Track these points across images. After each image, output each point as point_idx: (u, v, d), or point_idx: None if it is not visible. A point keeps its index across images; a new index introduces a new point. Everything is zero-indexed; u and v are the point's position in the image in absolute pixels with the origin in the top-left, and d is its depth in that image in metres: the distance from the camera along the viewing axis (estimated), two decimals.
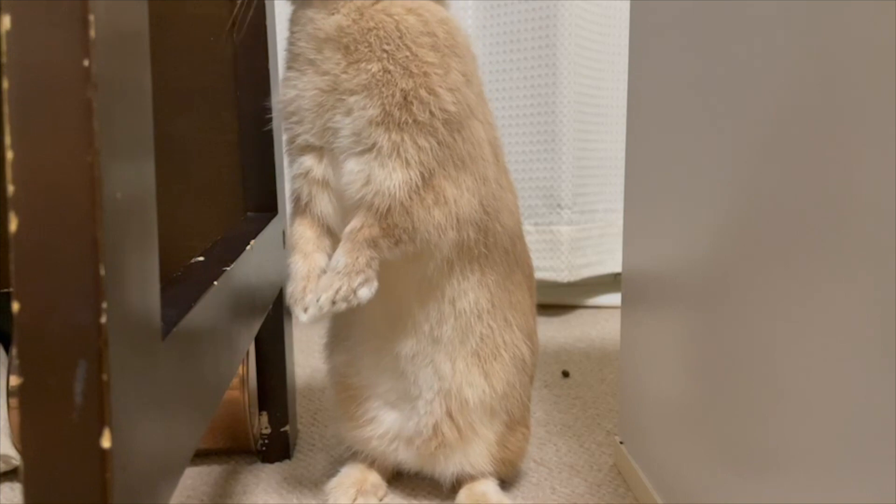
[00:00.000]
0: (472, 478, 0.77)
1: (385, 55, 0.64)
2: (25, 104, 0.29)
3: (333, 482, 0.79)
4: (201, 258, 0.63)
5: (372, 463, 0.81)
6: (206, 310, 0.51)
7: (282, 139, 0.87)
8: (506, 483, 0.81)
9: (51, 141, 0.30)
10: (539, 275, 1.47)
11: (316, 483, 0.83)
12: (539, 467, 0.87)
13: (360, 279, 0.65)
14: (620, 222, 0.87)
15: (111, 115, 0.31)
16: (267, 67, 0.84)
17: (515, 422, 0.78)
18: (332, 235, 0.72)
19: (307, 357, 1.12)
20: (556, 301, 1.65)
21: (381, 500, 0.80)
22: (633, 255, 0.83)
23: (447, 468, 0.77)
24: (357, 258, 0.65)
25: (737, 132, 0.54)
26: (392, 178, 0.65)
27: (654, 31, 0.74)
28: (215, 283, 0.55)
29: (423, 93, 0.64)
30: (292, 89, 0.69)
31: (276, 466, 0.88)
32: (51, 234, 0.30)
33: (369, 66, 0.64)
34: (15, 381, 0.30)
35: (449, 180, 0.66)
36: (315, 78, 0.67)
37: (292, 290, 0.68)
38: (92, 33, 0.29)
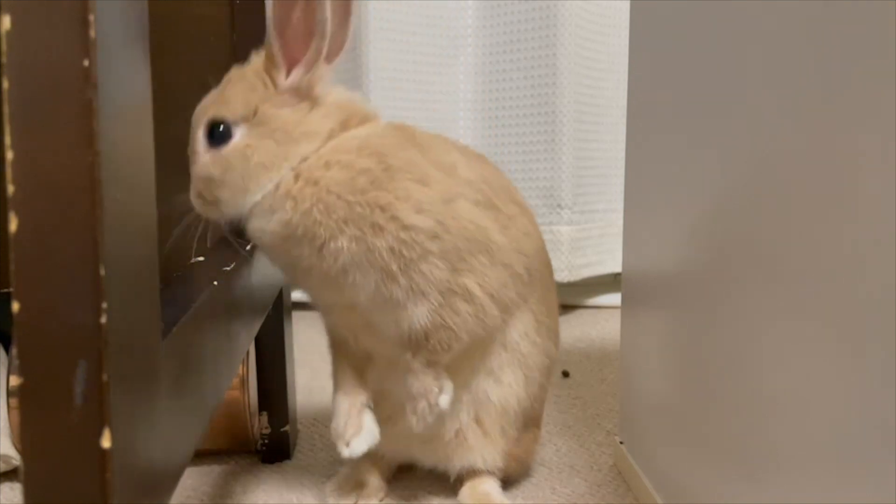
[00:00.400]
0: (476, 473, 0.77)
1: (342, 224, 0.62)
2: (25, 104, 0.29)
3: (333, 483, 0.79)
4: (201, 258, 0.63)
5: (374, 462, 0.80)
6: (206, 310, 0.51)
7: None
8: (506, 483, 0.81)
9: (51, 141, 0.30)
10: None
11: (316, 483, 0.83)
12: (539, 467, 0.87)
13: (434, 393, 0.68)
14: (620, 222, 0.87)
15: (111, 115, 0.31)
16: None
17: (531, 420, 0.79)
18: (371, 361, 0.74)
19: (307, 357, 1.12)
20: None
21: (381, 500, 0.80)
22: (633, 255, 0.83)
23: (459, 464, 0.77)
24: (424, 380, 0.68)
25: (737, 132, 0.54)
26: (417, 313, 0.66)
27: (654, 31, 0.74)
28: (215, 283, 0.55)
29: (402, 235, 0.62)
30: (294, 280, 0.72)
31: (276, 466, 0.88)
32: (51, 234, 0.30)
33: (338, 244, 0.63)
34: (15, 381, 0.30)
35: (464, 274, 0.66)
36: (302, 275, 0.67)
37: (335, 426, 0.71)
38: (92, 33, 0.29)
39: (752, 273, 0.51)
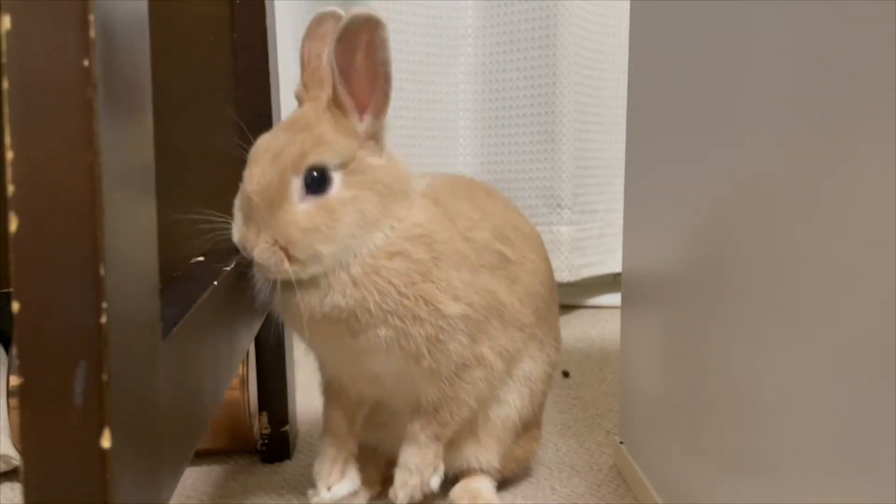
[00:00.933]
0: (471, 472, 0.77)
1: (388, 314, 0.61)
2: (25, 104, 0.29)
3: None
4: (201, 258, 0.63)
5: (370, 456, 0.80)
6: (206, 310, 0.51)
7: None
8: (506, 482, 0.81)
9: (51, 141, 0.30)
10: None
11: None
12: (539, 467, 0.87)
13: (429, 472, 0.69)
14: (620, 222, 0.87)
15: (111, 115, 0.31)
16: (267, 67, 0.84)
17: (531, 423, 0.79)
18: (363, 405, 0.74)
19: (307, 357, 1.12)
20: None
21: (376, 494, 0.79)
22: (633, 255, 0.83)
23: (454, 465, 0.77)
24: (426, 455, 0.69)
25: (737, 132, 0.54)
26: (430, 392, 0.67)
27: (654, 31, 0.74)
28: (215, 282, 0.55)
29: (441, 324, 0.62)
30: (318, 352, 0.71)
31: (276, 466, 0.88)
32: (51, 234, 0.30)
33: (376, 332, 0.62)
34: (15, 381, 0.30)
35: (480, 342, 0.67)
36: (326, 345, 0.67)
37: (319, 468, 0.72)
38: (92, 33, 0.29)
39: (751, 273, 0.51)
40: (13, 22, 0.29)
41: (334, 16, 0.66)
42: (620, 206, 0.87)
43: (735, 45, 0.54)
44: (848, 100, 0.40)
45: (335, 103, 0.61)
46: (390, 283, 0.61)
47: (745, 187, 0.53)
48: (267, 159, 0.59)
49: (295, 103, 0.67)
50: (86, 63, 0.29)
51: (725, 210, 0.56)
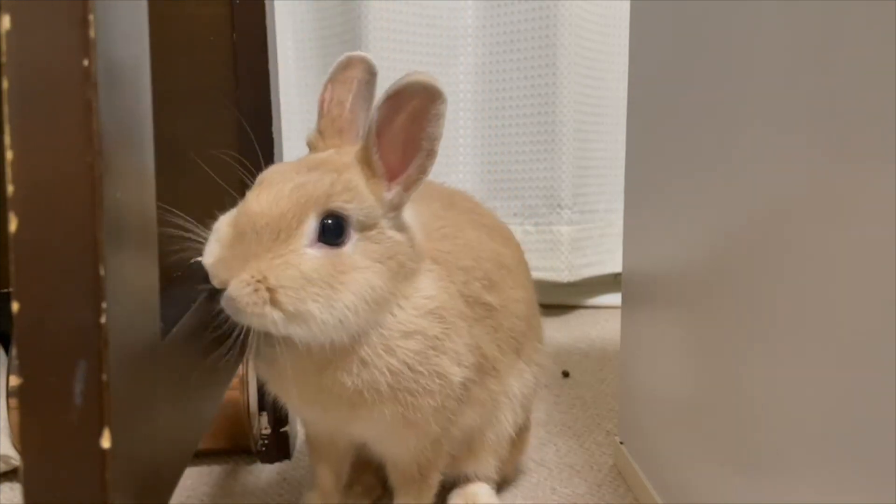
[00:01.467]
0: (468, 480, 0.77)
1: (399, 392, 0.57)
2: (25, 104, 0.29)
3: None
4: (201, 258, 0.63)
5: (367, 463, 0.80)
6: (206, 309, 0.51)
7: (282, 142, 0.87)
8: (506, 483, 0.81)
9: (51, 141, 0.30)
10: (539, 275, 1.47)
11: None
12: (539, 467, 0.87)
13: None
14: (620, 222, 0.87)
15: (111, 115, 0.31)
16: (267, 68, 0.84)
17: (523, 427, 0.79)
18: (350, 452, 0.73)
19: None
20: (556, 301, 1.65)
21: (377, 499, 0.80)
22: (633, 255, 0.83)
23: (452, 474, 0.76)
24: None
25: (736, 132, 0.54)
26: (421, 458, 0.66)
27: (654, 31, 0.74)
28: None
29: (447, 391, 0.60)
30: (301, 415, 0.70)
31: (276, 466, 0.88)
32: (51, 234, 0.30)
33: (381, 410, 0.57)
34: (15, 381, 0.30)
35: (466, 399, 0.65)
36: (320, 413, 0.63)
37: None
38: (92, 33, 0.29)
39: (751, 273, 0.51)
40: (13, 22, 0.29)
41: (363, 62, 0.62)
42: (620, 206, 0.87)
43: (735, 44, 0.54)
44: (850, 99, 0.40)
45: (364, 161, 0.56)
46: (405, 363, 0.57)
47: (745, 187, 0.53)
48: (286, 187, 0.53)
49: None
50: (86, 63, 0.29)
51: (725, 210, 0.56)
